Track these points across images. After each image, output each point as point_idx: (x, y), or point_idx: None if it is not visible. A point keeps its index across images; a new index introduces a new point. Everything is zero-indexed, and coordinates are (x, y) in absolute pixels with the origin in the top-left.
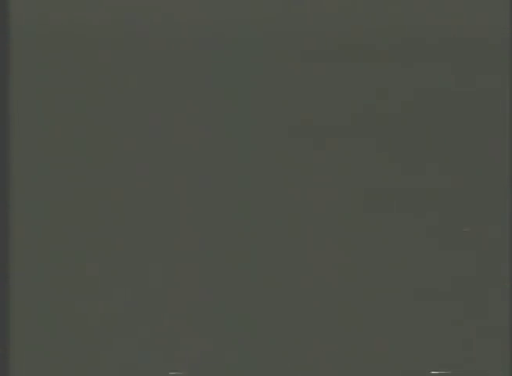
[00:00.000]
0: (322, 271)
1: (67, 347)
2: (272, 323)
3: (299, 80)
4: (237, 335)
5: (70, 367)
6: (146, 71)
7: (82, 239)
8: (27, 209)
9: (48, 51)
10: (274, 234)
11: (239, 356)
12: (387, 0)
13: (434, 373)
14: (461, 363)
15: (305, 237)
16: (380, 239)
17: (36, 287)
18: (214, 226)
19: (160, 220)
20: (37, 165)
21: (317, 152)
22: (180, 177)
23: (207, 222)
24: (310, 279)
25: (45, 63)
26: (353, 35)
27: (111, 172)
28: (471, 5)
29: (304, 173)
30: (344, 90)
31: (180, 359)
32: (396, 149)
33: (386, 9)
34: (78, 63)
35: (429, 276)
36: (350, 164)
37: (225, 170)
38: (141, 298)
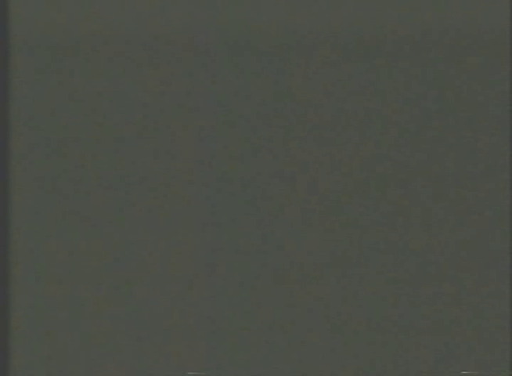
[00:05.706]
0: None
1: (68, 347)
2: (271, 322)
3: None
4: (236, 336)
5: (71, 368)
6: (147, 73)
7: (83, 239)
8: (27, 209)
9: (48, 51)
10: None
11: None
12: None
13: (465, 373)
14: (461, 363)
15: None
16: (379, 230)
17: (36, 287)
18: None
19: (162, 221)
20: (37, 166)
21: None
22: (181, 178)
23: (216, 226)
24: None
25: (45, 64)
26: (351, 35)
27: (112, 172)
28: (471, 5)
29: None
30: (344, 89)
31: (185, 360)
32: (394, 148)
33: (384, 8)
34: (78, 63)
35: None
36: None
37: (223, 169)
38: (143, 299)
